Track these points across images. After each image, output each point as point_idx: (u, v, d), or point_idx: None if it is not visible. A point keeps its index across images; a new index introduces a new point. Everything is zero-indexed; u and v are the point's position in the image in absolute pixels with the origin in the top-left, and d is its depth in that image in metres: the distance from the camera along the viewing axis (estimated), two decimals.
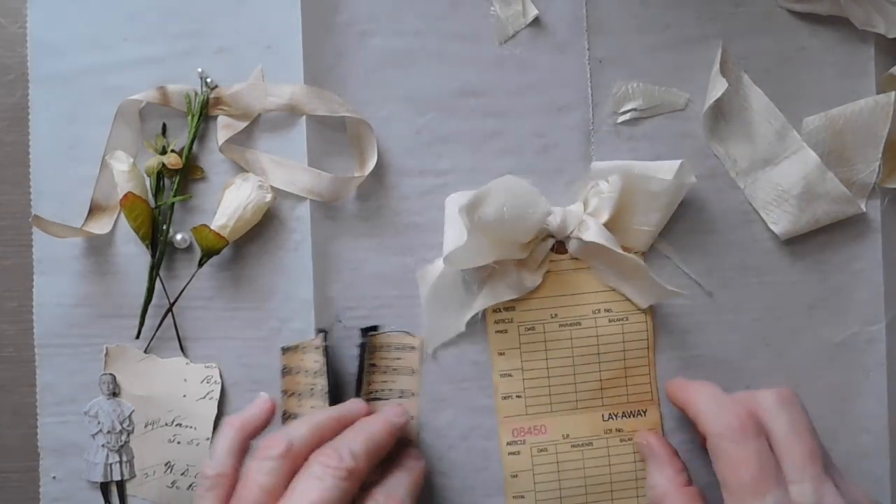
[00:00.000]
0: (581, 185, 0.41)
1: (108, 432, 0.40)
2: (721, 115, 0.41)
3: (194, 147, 0.40)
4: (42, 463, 0.41)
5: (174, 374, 0.40)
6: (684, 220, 0.41)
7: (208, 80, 0.40)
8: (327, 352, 0.39)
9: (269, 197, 0.39)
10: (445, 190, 0.41)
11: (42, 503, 0.41)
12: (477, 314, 0.40)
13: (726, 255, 0.41)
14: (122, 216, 0.40)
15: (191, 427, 0.40)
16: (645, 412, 0.41)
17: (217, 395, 0.40)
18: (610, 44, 0.41)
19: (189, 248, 0.40)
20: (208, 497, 0.34)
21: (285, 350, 0.40)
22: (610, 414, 0.41)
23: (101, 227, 0.40)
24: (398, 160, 0.41)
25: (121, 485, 0.41)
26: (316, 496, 0.32)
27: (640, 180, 0.38)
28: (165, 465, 0.41)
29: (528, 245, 0.39)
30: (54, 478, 0.41)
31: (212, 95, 0.40)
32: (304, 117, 0.40)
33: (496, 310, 0.41)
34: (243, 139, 0.40)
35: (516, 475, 0.41)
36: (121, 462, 0.40)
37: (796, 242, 0.41)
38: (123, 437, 0.41)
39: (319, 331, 0.39)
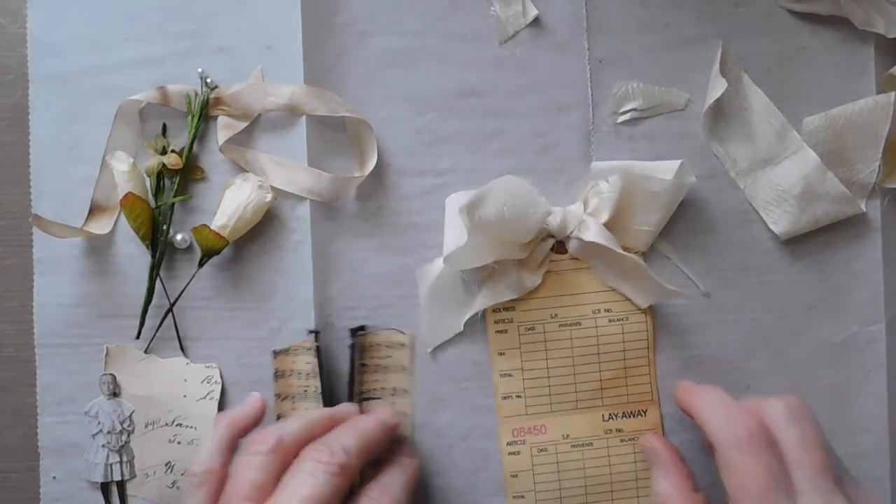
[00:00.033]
0: (581, 185, 0.41)
1: (109, 432, 0.40)
2: (721, 115, 0.41)
3: (194, 147, 0.40)
4: (42, 463, 0.41)
5: (174, 374, 0.40)
6: (684, 220, 0.41)
7: (208, 80, 0.40)
8: (319, 353, 0.39)
9: (269, 197, 0.39)
10: (445, 190, 0.41)
11: (42, 503, 0.41)
12: (476, 314, 0.40)
13: (726, 255, 0.41)
14: (123, 216, 0.40)
15: (191, 427, 0.40)
16: (645, 412, 0.41)
17: (217, 395, 0.40)
18: (610, 44, 0.41)
19: (189, 248, 0.40)
20: (196, 494, 0.33)
21: (277, 353, 0.40)
22: (610, 414, 0.41)
23: (101, 227, 0.40)
24: (398, 160, 0.41)
25: (121, 485, 0.41)
26: (307, 492, 0.31)
27: (640, 180, 0.38)
28: (166, 465, 0.41)
29: (528, 245, 0.39)
30: (54, 478, 0.41)
31: (212, 95, 0.40)
32: (304, 117, 0.40)
33: (496, 310, 0.41)
34: (243, 139, 0.40)
35: (516, 475, 0.41)
36: (121, 462, 0.40)
37: (796, 242, 0.41)
38: (124, 438, 0.41)
39: (311, 332, 0.39)
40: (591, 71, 0.41)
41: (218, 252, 0.39)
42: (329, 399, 0.39)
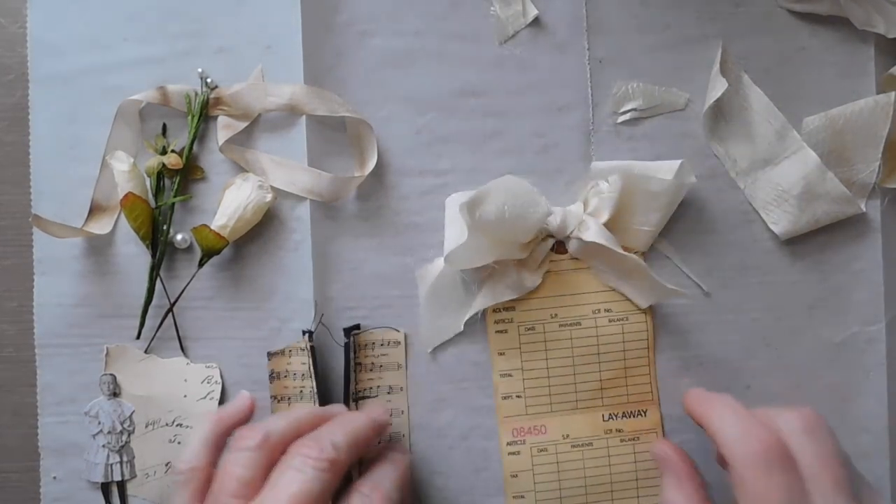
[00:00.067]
0: (581, 185, 0.41)
1: (109, 432, 0.40)
2: (721, 115, 0.41)
3: (194, 147, 0.40)
4: (42, 463, 0.41)
5: (174, 374, 0.40)
6: (684, 220, 0.41)
7: (208, 80, 0.40)
8: (314, 353, 0.39)
9: (269, 197, 0.39)
10: (445, 190, 0.41)
11: (42, 503, 0.41)
12: (476, 314, 0.40)
13: (726, 255, 0.41)
14: (123, 216, 0.40)
15: (191, 427, 0.40)
16: (645, 412, 0.41)
17: (217, 395, 0.40)
18: (610, 44, 0.41)
19: (189, 249, 0.40)
20: (182, 492, 0.33)
21: (272, 355, 0.40)
22: (610, 414, 0.41)
23: (101, 227, 0.40)
24: (398, 160, 0.41)
25: (121, 485, 0.41)
26: (296, 488, 0.30)
27: (640, 180, 0.38)
28: (166, 465, 0.41)
29: (528, 245, 0.39)
30: (55, 478, 0.41)
31: (212, 95, 0.40)
32: (304, 117, 0.40)
33: (496, 310, 0.41)
34: (243, 139, 0.40)
35: (516, 475, 0.41)
36: (121, 462, 0.40)
37: (796, 242, 0.41)
38: (124, 438, 0.41)
39: (305, 332, 0.39)
40: (591, 71, 0.41)
41: (218, 252, 0.39)
42: (324, 399, 0.39)
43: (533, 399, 0.41)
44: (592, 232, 0.38)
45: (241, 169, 0.40)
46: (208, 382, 0.40)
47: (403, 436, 0.41)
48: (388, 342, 0.41)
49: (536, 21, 0.41)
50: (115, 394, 0.41)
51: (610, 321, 0.41)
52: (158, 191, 0.40)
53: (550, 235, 0.40)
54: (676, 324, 0.41)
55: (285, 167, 0.40)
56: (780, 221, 0.41)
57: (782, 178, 0.40)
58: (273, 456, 0.32)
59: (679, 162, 0.39)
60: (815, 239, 0.41)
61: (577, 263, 0.41)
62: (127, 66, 0.40)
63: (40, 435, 0.41)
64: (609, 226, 0.39)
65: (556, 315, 0.41)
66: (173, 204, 0.40)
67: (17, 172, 0.41)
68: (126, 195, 0.38)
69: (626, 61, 0.41)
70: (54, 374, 0.41)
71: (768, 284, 0.41)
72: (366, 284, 0.41)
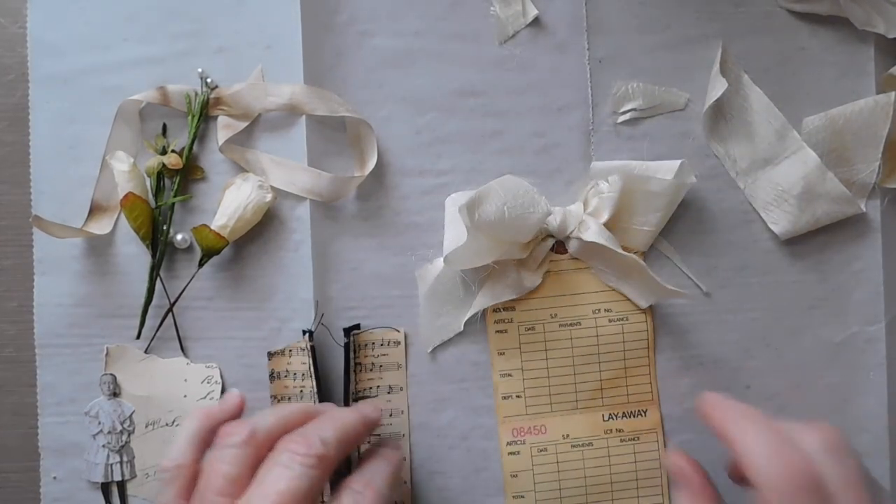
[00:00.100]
0: (581, 185, 0.41)
1: (109, 432, 0.40)
2: (721, 115, 0.41)
3: (194, 147, 0.40)
4: (42, 463, 0.41)
5: (175, 374, 0.40)
6: (684, 220, 0.41)
7: (208, 80, 0.40)
8: (314, 353, 0.39)
9: (269, 197, 0.39)
10: (445, 190, 0.41)
11: (42, 503, 0.41)
12: (476, 314, 0.40)
13: (726, 255, 0.41)
14: (123, 216, 0.40)
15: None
16: (645, 412, 0.41)
17: (217, 395, 0.40)
18: (610, 44, 0.41)
19: (189, 249, 0.40)
20: (167, 490, 0.32)
21: (272, 355, 0.40)
22: (610, 414, 0.41)
23: (101, 227, 0.40)
24: (398, 160, 0.41)
25: (121, 485, 0.41)
26: (284, 485, 0.29)
27: (640, 180, 0.38)
28: None
29: (528, 245, 0.39)
30: (55, 478, 0.41)
31: (212, 95, 0.40)
32: (304, 117, 0.40)
33: (496, 310, 0.41)
34: (243, 139, 0.40)
35: (516, 475, 0.41)
36: (121, 462, 0.40)
37: (796, 242, 0.41)
38: (124, 438, 0.41)
39: (305, 332, 0.39)
40: (591, 71, 0.41)
41: (218, 252, 0.39)
42: (324, 399, 0.39)
43: (533, 399, 0.41)
44: (592, 232, 0.38)
45: (241, 169, 0.40)
46: (208, 382, 0.40)
47: (403, 435, 0.41)
48: (388, 342, 0.41)
49: (536, 21, 0.41)
50: (115, 394, 0.41)
51: (610, 321, 0.41)
52: (158, 191, 0.40)
53: (550, 235, 0.40)
54: (676, 324, 0.41)
55: (285, 167, 0.40)
56: (780, 221, 0.41)
57: (782, 178, 0.40)
58: (260, 452, 0.31)
59: (679, 162, 0.39)
60: (815, 239, 0.41)
61: (577, 263, 0.41)
62: (127, 66, 0.40)
63: (40, 435, 0.41)
64: (609, 226, 0.39)
65: (556, 315, 0.41)
66: (173, 204, 0.40)
67: (17, 172, 0.41)
68: (126, 195, 0.38)
69: (626, 61, 0.41)
70: (54, 374, 0.41)
71: (768, 284, 0.41)
72: (366, 284, 0.41)
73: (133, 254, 0.40)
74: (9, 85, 0.41)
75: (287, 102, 0.40)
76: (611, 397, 0.41)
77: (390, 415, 0.40)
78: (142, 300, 0.40)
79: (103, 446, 0.40)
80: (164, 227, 0.40)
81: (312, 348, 0.39)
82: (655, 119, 0.41)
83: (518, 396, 0.41)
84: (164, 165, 0.39)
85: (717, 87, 0.40)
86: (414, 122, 0.41)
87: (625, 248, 0.39)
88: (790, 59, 0.41)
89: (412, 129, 0.41)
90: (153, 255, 0.40)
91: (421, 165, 0.41)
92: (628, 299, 0.41)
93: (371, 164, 0.40)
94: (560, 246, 0.41)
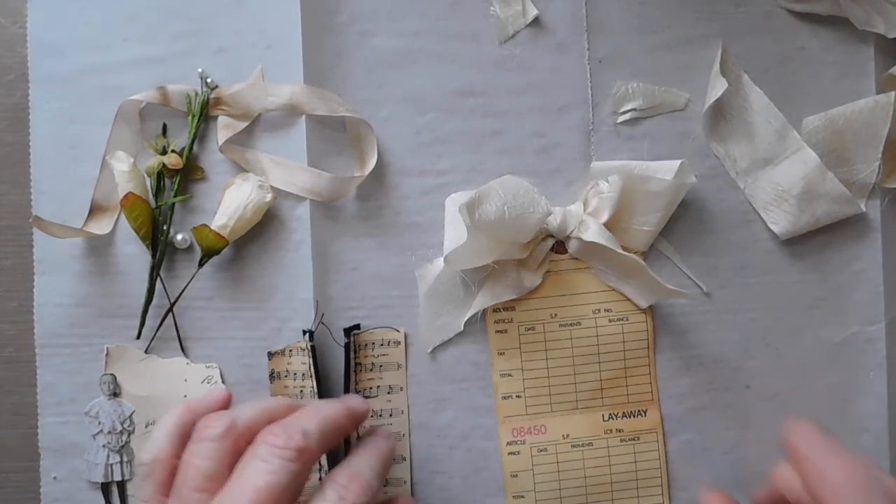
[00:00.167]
0: (581, 185, 0.41)
1: (109, 432, 0.40)
2: (721, 115, 0.41)
3: (194, 147, 0.40)
4: (42, 463, 0.41)
5: (175, 374, 0.40)
6: (684, 220, 0.41)
7: (208, 80, 0.40)
8: (314, 352, 0.39)
9: (269, 197, 0.39)
10: (445, 190, 0.41)
11: (42, 503, 0.41)
12: (476, 314, 0.40)
13: (726, 255, 0.41)
14: (123, 216, 0.40)
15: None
16: (645, 412, 0.41)
17: None
18: (610, 44, 0.41)
19: (189, 248, 0.40)
20: (144, 486, 0.31)
21: (272, 354, 0.40)
22: (610, 414, 0.41)
23: (101, 227, 0.40)
24: (398, 160, 0.41)
25: (121, 485, 0.41)
26: (262, 481, 0.28)
27: (640, 180, 0.38)
28: None
29: (528, 245, 0.39)
30: (55, 478, 0.41)
31: (212, 95, 0.40)
32: (304, 117, 0.40)
33: (496, 310, 0.41)
34: (243, 139, 0.40)
35: (516, 475, 0.41)
36: (121, 462, 0.40)
37: (796, 242, 0.41)
38: (124, 438, 0.41)
39: (305, 332, 0.39)
40: (591, 71, 0.41)
41: (218, 252, 0.39)
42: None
43: (533, 399, 0.41)
44: (592, 232, 0.38)
45: (241, 169, 0.40)
46: (208, 382, 0.40)
47: (403, 435, 0.41)
48: (388, 342, 0.41)
49: (536, 21, 0.41)
50: (116, 394, 0.41)
51: (610, 321, 0.41)
52: (158, 191, 0.40)
53: (550, 235, 0.40)
54: (676, 324, 0.41)
55: (285, 167, 0.40)
56: (779, 221, 0.41)
57: (782, 178, 0.40)
58: (239, 446, 0.30)
59: (679, 162, 0.39)
60: (815, 239, 0.41)
61: (577, 263, 0.41)
62: (127, 66, 0.40)
63: (40, 435, 0.41)
64: (609, 226, 0.39)
65: (556, 315, 0.41)
66: (173, 204, 0.40)
67: (17, 172, 0.41)
68: (126, 195, 0.38)
69: (626, 61, 0.41)
70: (54, 374, 0.41)
71: (768, 284, 0.41)
72: (366, 284, 0.41)
73: (133, 254, 0.40)
74: (9, 85, 0.41)
75: (287, 102, 0.40)
76: (611, 397, 0.41)
77: (390, 415, 0.40)
78: (142, 300, 0.40)
79: (103, 446, 0.40)
80: (164, 227, 0.40)
81: (312, 348, 0.39)
82: (655, 119, 0.41)
83: (518, 396, 0.41)
84: (164, 165, 0.39)
85: (717, 87, 0.40)
86: (414, 122, 0.41)
87: (625, 248, 0.39)
88: (790, 59, 0.41)
89: (412, 129, 0.41)
90: (153, 255, 0.40)
91: (421, 165, 0.41)
92: (628, 299, 0.41)
93: (371, 164, 0.40)
94: (560, 246, 0.41)
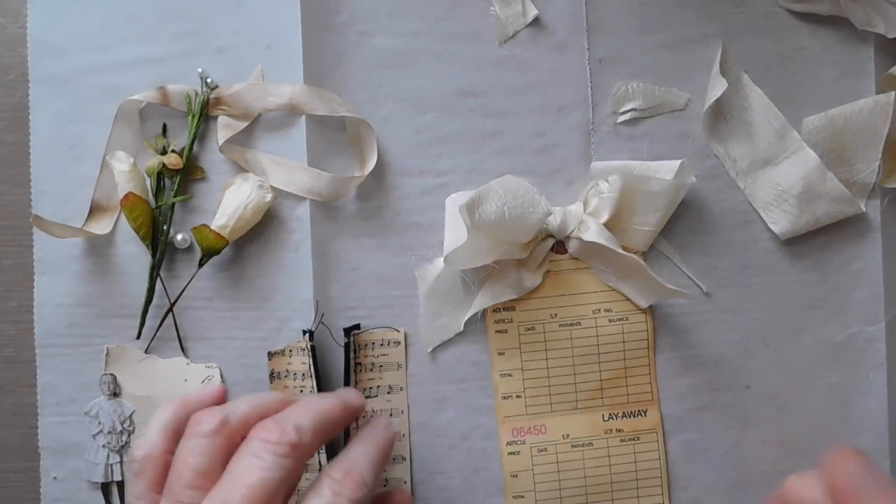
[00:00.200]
0: (581, 185, 0.41)
1: (109, 432, 0.40)
2: (721, 115, 0.41)
3: (194, 147, 0.40)
4: (42, 463, 0.41)
5: (175, 374, 0.40)
6: (684, 220, 0.41)
7: (208, 80, 0.40)
8: (314, 352, 0.39)
9: (269, 197, 0.39)
10: (445, 190, 0.41)
11: (42, 503, 0.41)
12: (476, 314, 0.40)
13: (726, 255, 0.41)
14: (123, 216, 0.40)
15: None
16: (645, 412, 0.41)
17: None
18: (610, 44, 0.41)
19: (189, 249, 0.40)
20: (137, 482, 0.30)
21: (272, 354, 0.40)
22: (610, 414, 0.41)
23: (101, 227, 0.40)
24: (398, 160, 0.41)
25: (122, 485, 0.41)
26: (255, 477, 0.28)
27: (640, 180, 0.38)
28: None
29: (528, 245, 0.39)
30: (55, 478, 0.41)
31: (212, 95, 0.40)
32: (304, 117, 0.40)
33: (496, 310, 0.41)
34: (243, 139, 0.40)
35: (516, 475, 0.41)
36: (122, 462, 0.40)
37: (796, 242, 0.41)
38: (124, 438, 0.41)
39: (305, 332, 0.39)
40: (591, 71, 0.41)
41: (218, 252, 0.39)
42: None
43: (533, 399, 0.41)
44: (592, 232, 0.38)
45: (241, 169, 0.40)
46: (208, 382, 0.40)
47: (403, 435, 0.41)
48: (388, 342, 0.41)
49: (536, 21, 0.41)
50: (116, 394, 0.41)
51: (610, 321, 0.41)
52: (158, 191, 0.40)
53: (550, 235, 0.40)
54: (676, 324, 0.41)
55: (285, 167, 0.40)
56: (779, 221, 0.41)
57: (782, 178, 0.40)
58: (232, 441, 0.30)
59: (679, 162, 0.39)
60: (815, 239, 0.41)
61: (577, 263, 0.41)
62: (127, 66, 0.40)
63: (40, 435, 0.41)
64: (609, 226, 0.39)
65: (556, 315, 0.41)
66: (173, 204, 0.40)
67: (17, 172, 0.41)
68: (126, 195, 0.38)
69: (626, 61, 0.41)
70: (54, 374, 0.41)
71: (768, 284, 0.41)
72: (366, 284, 0.41)
73: (133, 254, 0.40)
74: (9, 85, 0.41)
75: (287, 102, 0.40)
76: (611, 397, 0.41)
77: (390, 414, 0.40)
78: (142, 300, 0.40)
79: (103, 446, 0.40)
80: (164, 227, 0.40)
81: (312, 348, 0.39)
82: (655, 119, 0.41)
83: (518, 396, 0.41)
84: (164, 165, 0.39)
85: (717, 87, 0.40)
86: (414, 122, 0.41)
87: (625, 248, 0.39)
88: (790, 59, 0.41)
89: (412, 129, 0.41)
90: (153, 255, 0.40)
91: (421, 165, 0.41)
92: (628, 299, 0.41)
93: (371, 164, 0.40)
94: (560, 246, 0.41)
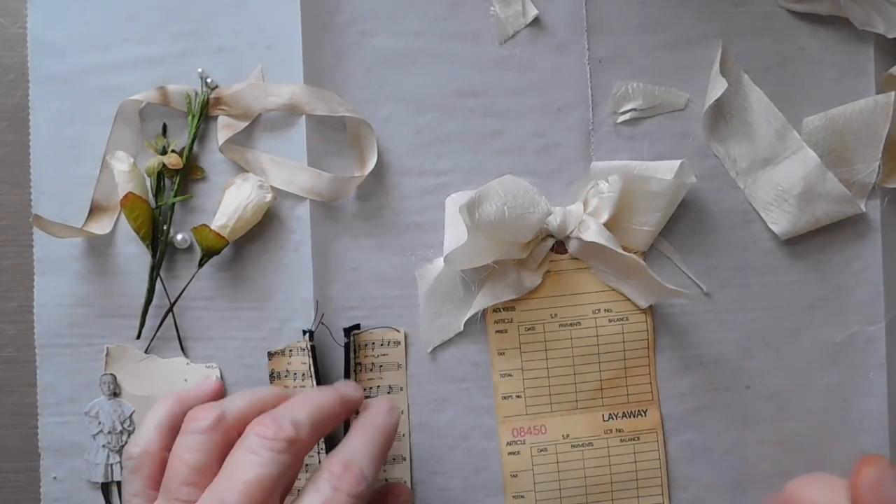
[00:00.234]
0: (581, 185, 0.41)
1: (109, 432, 0.40)
2: (721, 115, 0.41)
3: (194, 147, 0.40)
4: (42, 463, 0.41)
5: (175, 374, 0.40)
6: (684, 220, 0.41)
7: (208, 80, 0.40)
8: (314, 352, 0.39)
9: (269, 197, 0.39)
10: (445, 190, 0.41)
11: (42, 503, 0.41)
12: (476, 314, 0.40)
13: (726, 255, 0.41)
14: (123, 216, 0.40)
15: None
16: (645, 412, 0.41)
17: None
18: (610, 44, 0.41)
19: (189, 249, 0.40)
20: (133, 480, 0.30)
21: (272, 354, 0.40)
22: (610, 414, 0.41)
23: (101, 227, 0.40)
24: (398, 160, 0.41)
25: (121, 485, 0.41)
26: (252, 473, 0.27)
27: (640, 180, 0.38)
28: None
29: (528, 245, 0.39)
30: (55, 478, 0.41)
31: (212, 95, 0.40)
32: (304, 117, 0.40)
33: (496, 310, 0.41)
34: (243, 139, 0.40)
35: (516, 475, 0.41)
36: (122, 463, 0.40)
37: (796, 242, 0.41)
38: (124, 438, 0.41)
39: (305, 332, 0.39)
40: (591, 71, 0.41)
41: (218, 252, 0.39)
42: None
43: (533, 399, 0.41)
44: (592, 232, 0.38)
45: (241, 169, 0.40)
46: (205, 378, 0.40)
47: (403, 435, 0.41)
48: (388, 342, 0.41)
49: (536, 21, 0.41)
50: (116, 394, 0.41)
51: (610, 321, 0.41)
52: (158, 191, 0.40)
53: (550, 235, 0.40)
54: (676, 324, 0.41)
55: (285, 167, 0.40)
56: (779, 221, 0.41)
57: (782, 178, 0.40)
58: (229, 437, 0.30)
59: (679, 162, 0.39)
60: (815, 239, 0.41)
61: (577, 263, 0.41)
62: (127, 66, 0.40)
63: (40, 435, 0.41)
64: (609, 226, 0.39)
65: (556, 315, 0.41)
66: (173, 204, 0.40)
67: (17, 172, 0.41)
68: (126, 195, 0.38)
69: (626, 61, 0.41)
70: (54, 374, 0.41)
71: (768, 284, 0.41)
72: (366, 284, 0.41)
73: (133, 254, 0.40)
74: (9, 85, 0.41)
75: (287, 102, 0.40)
76: (611, 397, 0.41)
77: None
78: (142, 300, 0.40)
79: (103, 446, 0.41)
80: (164, 227, 0.40)
81: (312, 348, 0.39)
82: (655, 119, 0.41)
83: (518, 396, 0.41)
84: (164, 165, 0.39)
85: (717, 87, 0.40)
86: (414, 122, 0.41)
87: (625, 248, 0.39)
88: (790, 59, 0.41)
89: (412, 129, 0.41)
90: (153, 255, 0.40)
91: (421, 165, 0.41)
92: (628, 299, 0.41)
93: (371, 164, 0.40)
94: (560, 246, 0.41)
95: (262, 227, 0.40)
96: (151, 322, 0.40)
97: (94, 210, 0.40)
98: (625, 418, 0.41)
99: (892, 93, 0.40)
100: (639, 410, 0.41)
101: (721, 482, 0.41)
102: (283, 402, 0.32)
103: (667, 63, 0.41)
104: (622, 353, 0.41)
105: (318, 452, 0.40)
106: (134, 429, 0.41)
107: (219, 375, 0.40)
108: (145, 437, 0.31)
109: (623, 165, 0.40)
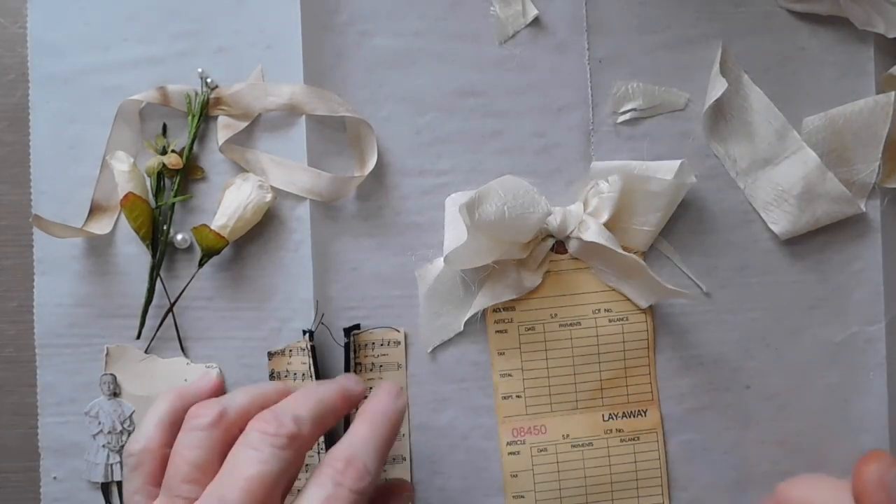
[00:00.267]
0: (581, 185, 0.41)
1: (109, 432, 0.41)
2: (721, 115, 0.41)
3: (194, 147, 0.40)
4: (42, 463, 0.41)
5: (175, 374, 0.40)
6: (684, 220, 0.41)
7: (208, 80, 0.40)
8: (314, 352, 0.39)
9: (269, 197, 0.39)
10: (445, 190, 0.41)
11: (42, 503, 0.41)
12: (476, 314, 0.40)
13: (726, 255, 0.41)
14: (123, 216, 0.40)
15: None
16: (645, 412, 0.41)
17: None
18: (610, 44, 0.41)
19: (189, 249, 0.40)
20: (134, 477, 0.30)
21: (272, 354, 0.40)
22: (610, 414, 0.41)
23: (101, 227, 0.40)
24: (398, 160, 0.41)
25: (122, 485, 0.41)
26: (254, 470, 0.27)
27: (640, 180, 0.38)
28: None
29: (528, 245, 0.39)
30: (55, 478, 0.41)
31: (212, 95, 0.40)
32: (304, 117, 0.40)
33: (496, 310, 0.41)
34: (243, 139, 0.40)
35: (516, 475, 0.41)
36: (122, 462, 0.40)
37: (796, 242, 0.41)
38: (124, 438, 0.41)
39: (305, 332, 0.39)
40: (591, 71, 0.41)
41: (218, 252, 0.39)
42: None
43: (533, 399, 0.41)
44: (592, 232, 0.38)
45: (241, 169, 0.40)
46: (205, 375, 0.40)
47: (403, 435, 0.41)
48: (388, 342, 0.41)
49: (536, 21, 0.41)
50: (116, 394, 0.41)
51: (610, 321, 0.41)
52: (158, 191, 0.40)
53: (550, 235, 0.40)
54: (676, 324, 0.41)
55: (285, 167, 0.40)
56: (779, 221, 0.41)
57: (782, 178, 0.40)
58: (230, 434, 0.29)
59: (679, 162, 0.39)
60: (815, 239, 0.41)
61: (577, 263, 0.41)
62: (127, 66, 0.40)
63: (40, 435, 0.41)
64: (609, 226, 0.39)
65: (556, 315, 0.41)
66: (173, 204, 0.40)
67: (17, 172, 0.41)
68: (126, 195, 0.38)
69: (626, 61, 0.41)
70: (54, 374, 0.41)
71: (768, 284, 0.41)
72: (366, 284, 0.41)
73: (133, 254, 0.40)
74: (9, 85, 0.41)
75: (287, 102, 0.40)
76: (611, 397, 0.41)
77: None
78: (142, 300, 0.40)
79: (103, 446, 0.41)
80: (164, 227, 0.40)
81: (312, 348, 0.39)
82: (655, 119, 0.41)
83: (518, 396, 0.41)
84: (164, 165, 0.40)
85: (717, 87, 0.40)
86: (414, 122, 0.41)
87: (625, 248, 0.39)
88: (790, 59, 0.41)
89: (412, 129, 0.41)
90: (153, 255, 0.40)
91: (421, 165, 0.41)
92: (628, 299, 0.41)
93: (371, 164, 0.40)
94: (560, 246, 0.41)
95: (262, 227, 0.40)
96: (151, 322, 0.40)
97: (94, 210, 0.40)
98: (625, 418, 0.41)
99: (892, 93, 0.40)
100: (639, 410, 0.41)
101: (721, 482, 0.41)
102: (285, 397, 0.32)
103: (667, 63, 0.41)
104: (622, 353, 0.41)
105: (318, 452, 0.40)
106: (134, 429, 0.41)
107: (219, 375, 0.40)
108: (146, 433, 0.31)
109: (623, 165, 0.40)
